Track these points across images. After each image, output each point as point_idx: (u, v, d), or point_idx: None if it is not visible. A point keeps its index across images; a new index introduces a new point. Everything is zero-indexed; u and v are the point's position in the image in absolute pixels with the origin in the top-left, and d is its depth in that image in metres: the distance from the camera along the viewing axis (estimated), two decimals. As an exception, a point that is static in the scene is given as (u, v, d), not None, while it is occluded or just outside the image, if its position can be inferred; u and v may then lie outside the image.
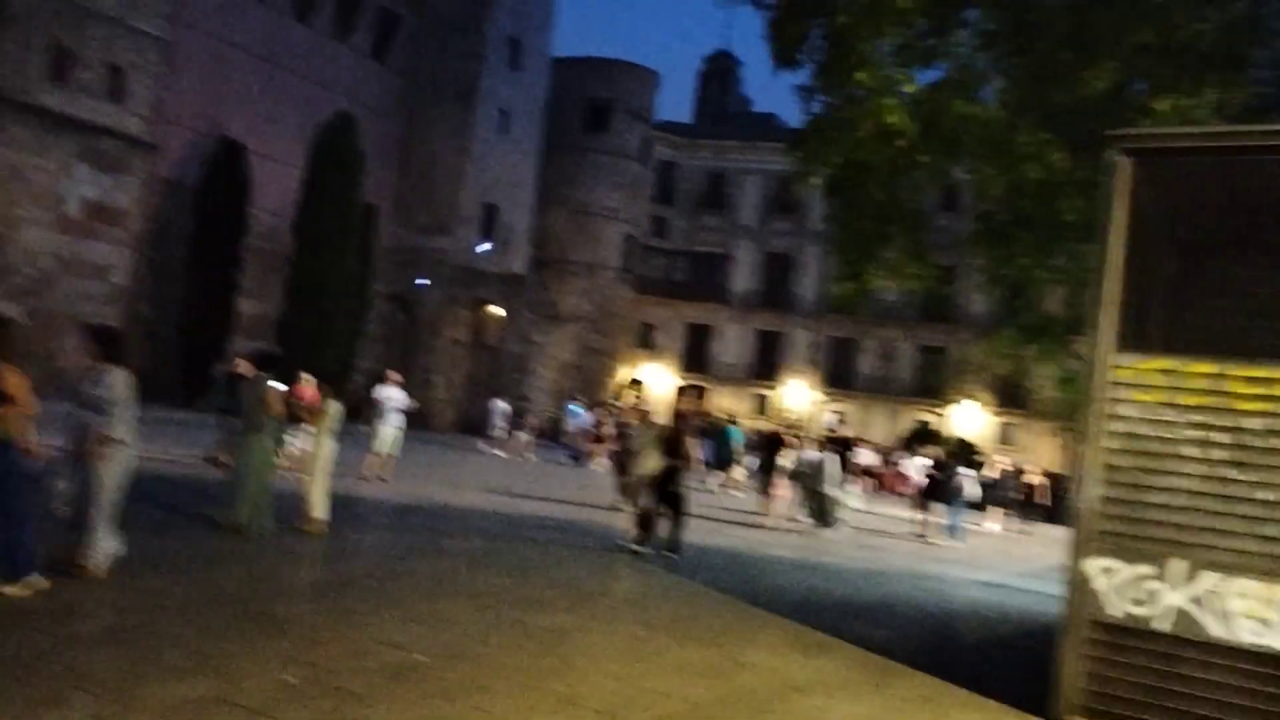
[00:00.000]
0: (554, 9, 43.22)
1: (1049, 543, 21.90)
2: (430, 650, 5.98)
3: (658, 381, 49.96)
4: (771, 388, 48.43)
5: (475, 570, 9.23)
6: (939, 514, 19.19)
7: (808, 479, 16.99)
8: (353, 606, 6.88)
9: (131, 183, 30.00)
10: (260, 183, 33.54)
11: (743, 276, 49.64)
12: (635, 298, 49.52)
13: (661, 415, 17.36)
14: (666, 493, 11.62)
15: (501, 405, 32.07)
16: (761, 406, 48.24)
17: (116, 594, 6.28)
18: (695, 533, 14.80)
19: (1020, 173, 8.51)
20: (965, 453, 29.85)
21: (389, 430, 16.95)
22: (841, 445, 19.68)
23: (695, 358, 49.82)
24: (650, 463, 11.57)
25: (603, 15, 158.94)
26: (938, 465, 20.10)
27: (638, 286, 49.54)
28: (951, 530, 19.13)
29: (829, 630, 8.50)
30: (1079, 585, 6.44)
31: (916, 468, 28.01)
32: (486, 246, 15.84)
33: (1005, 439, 43.66)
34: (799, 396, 47.55)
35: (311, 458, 10.53)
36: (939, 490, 19.39)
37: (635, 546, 11.51)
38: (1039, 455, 39.31)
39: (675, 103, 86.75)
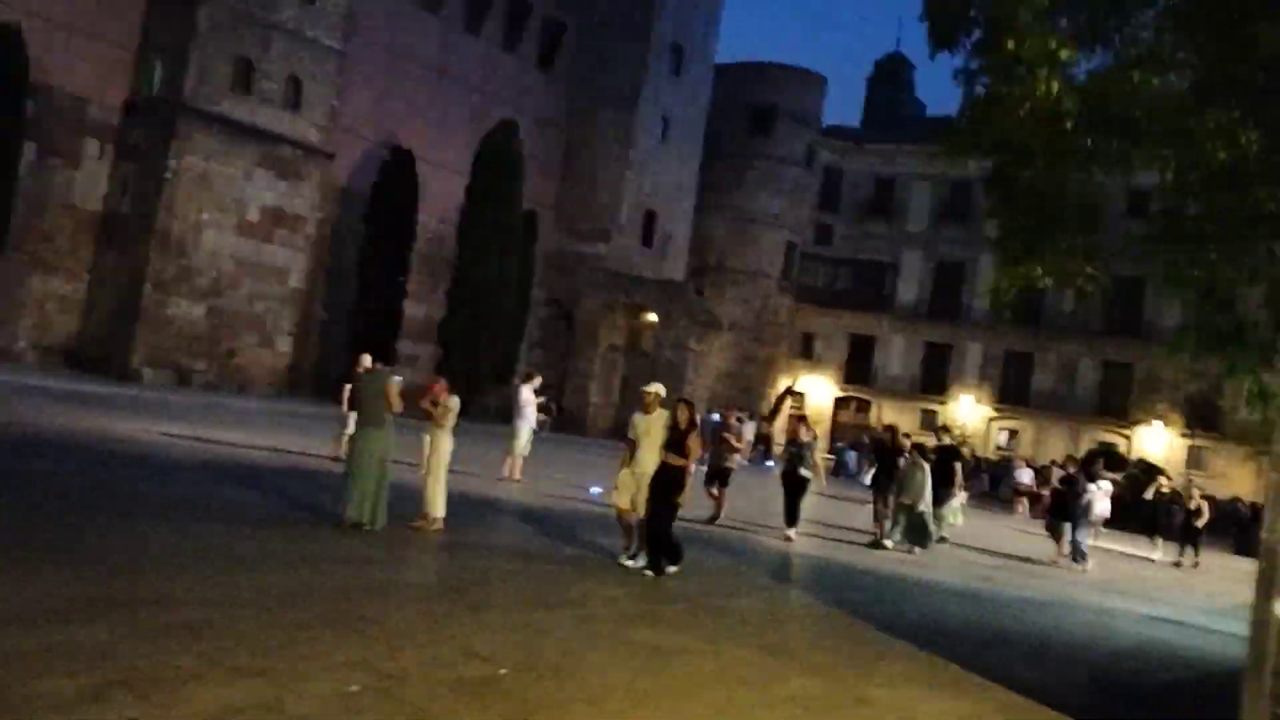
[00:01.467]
0: (718, 15, 42.82)
1: (1226, 576, 19.95)
2: (515, 663, 5.57)
3: (817, 393, 48.77)
4: (940, 403, 46.52)
5: (587, 578, 8.79)
6: (1066, 534, 17.62)
7: (903, 492, 15.39)
8: (446, 611, 6.57)
9: (308, 189, 31.25)
10: (428, 189, 34.46)
11: (910, 286, 47.91)
12: (796, 306, 48.53)
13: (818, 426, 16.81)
14: (659, 497, 9.31)
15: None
16: (928, 421, 46.36)
17: (204, 587, 6.15)
18: (842, 551, 14.07)
19: (1206, 156, 7.48)
20: (1147, 476, 27.69)
21: (526, 430, 16.89)
22: (948, 454, 17.56)
23: (857, 369, 48.39)
24: (648, 460, 9.50)
25: (769, 21, 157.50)
26: (1065, 480, 18.51)
27: (799, 295, 48.54)
28: (1074, 553, 17.34)
29: (966, 664, 7.67)
30: (1266, 629, 5.48)
31: (1099, 492, 26.40)
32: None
33: (1196, 463, 40.49)
34: (969, 412, 45.46)
35: (430, 455, 10.36)
36: (1066, 508, 17.77)
37: (625, 561, 9.66)
38: (1232, 482, 36.27)
39: (844, 107, 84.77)
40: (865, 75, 61.14)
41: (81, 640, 4.71)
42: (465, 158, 34.18)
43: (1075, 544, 17.31)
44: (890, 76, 55.93)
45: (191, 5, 27.92)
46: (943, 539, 16.59)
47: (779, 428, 40.63)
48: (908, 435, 17.36)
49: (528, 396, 17.71)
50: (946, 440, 18.36)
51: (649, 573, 9.29)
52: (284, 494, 11.02)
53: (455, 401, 10.65)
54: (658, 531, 9.35)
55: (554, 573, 8.78)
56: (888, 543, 15.21)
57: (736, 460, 15.87)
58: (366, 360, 13.52)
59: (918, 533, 15.32)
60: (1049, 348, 44.98)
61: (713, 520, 14.64)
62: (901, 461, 15.47)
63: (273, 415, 23.58)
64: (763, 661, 6.73)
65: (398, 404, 10.00)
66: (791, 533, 14.25)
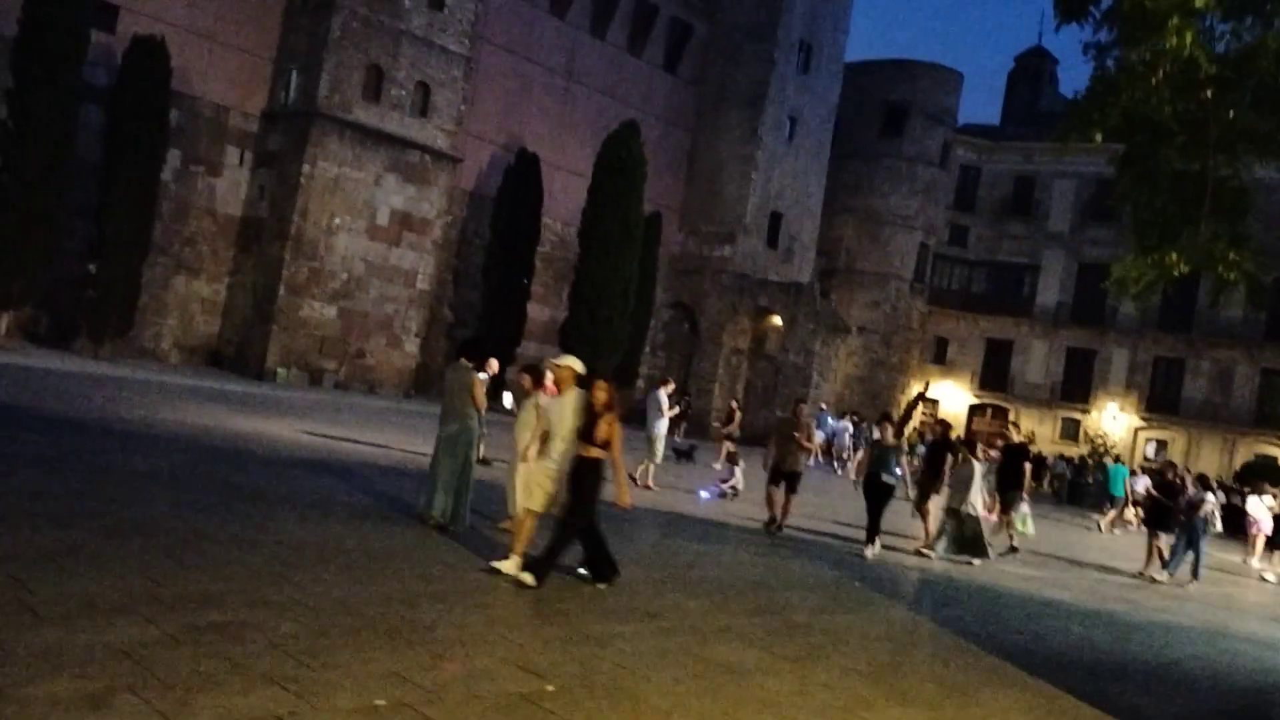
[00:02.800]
0: (849, 12, 41.78)
1: None
2: (568, 679, 5.22)
3: (951, 399, 47.06)
4: (1082, 411, 44.28)
5: (672, 588, 8.38)
6: (1165, 545, 15.96)
7: (951, 495, 13.68)
8: (508, 618, 6.27)
9: (435, 193, 31.78)
10: (554, 193, 34.68)
11: (1051, 289, 45.74)
12: (929, 310, 46.96)
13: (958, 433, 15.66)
14: (574, 497, 7.66)
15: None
16: (1069, 431, 44.20)
17: (258, 585, 6.00)
18: (945, 564, 13.24)
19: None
20: None
21: (662, 437, 16.68)
22: (1017, 453, 15.71)
23: (994, 375, 46.47)
24: (562, 451, 7.84)
25: (904, 17, 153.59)
26: (1164, 486, 16.48)
27: (932, 298, 46.95)
28: (1170, 565, 15.57)
29: (1089, 697, 6.95)
30: None
31: (1259, 508, 24.56)
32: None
33: (1370, 481, 37.32)
34: (1114, 422, 43.11)
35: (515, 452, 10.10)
36: (1166, 517, 15.93)
37: (580, 569, 8.13)
38: None
39: (982, 105, 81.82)
40: (1005, 71, 58.70)
41: (109, 639, 4.58)
42: (590, 161, 34.23)
43: (1179, 557, 15.53)
44: (1031, 72, 53.66)
45: (324, 15, 28.73)
46: (1013, 549, 15.06)
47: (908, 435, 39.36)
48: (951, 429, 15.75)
49: (664, 402, 17.39)
50: (1016, 438, 16.73)
51: (601, 585, 7.79)
52: (382, 491, 10.97)
53: (544, 399, 10.35)
54: (588, 538, 7.77)
55: (638, 581, 8.38)
56: (929, 552, 13.45)
57: (804, 461, 13.80)
58: (494, 363, 13.48)
59: (972, 543, 13.50)
60: (1202, 354, 42.25)
61: (771, 526, 13.19)
62: (950, 459, 13.99)
63: (397, 414, 23.97)
64: (849, 685, 6.20)
65: (482, 400, 9.81)
66: (869, 550, 12.51)
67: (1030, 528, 16.04)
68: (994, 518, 21.48)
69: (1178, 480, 16.53)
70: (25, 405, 13.73)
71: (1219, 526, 16.73)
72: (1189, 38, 6.33)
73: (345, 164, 29.49)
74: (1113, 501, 26.25)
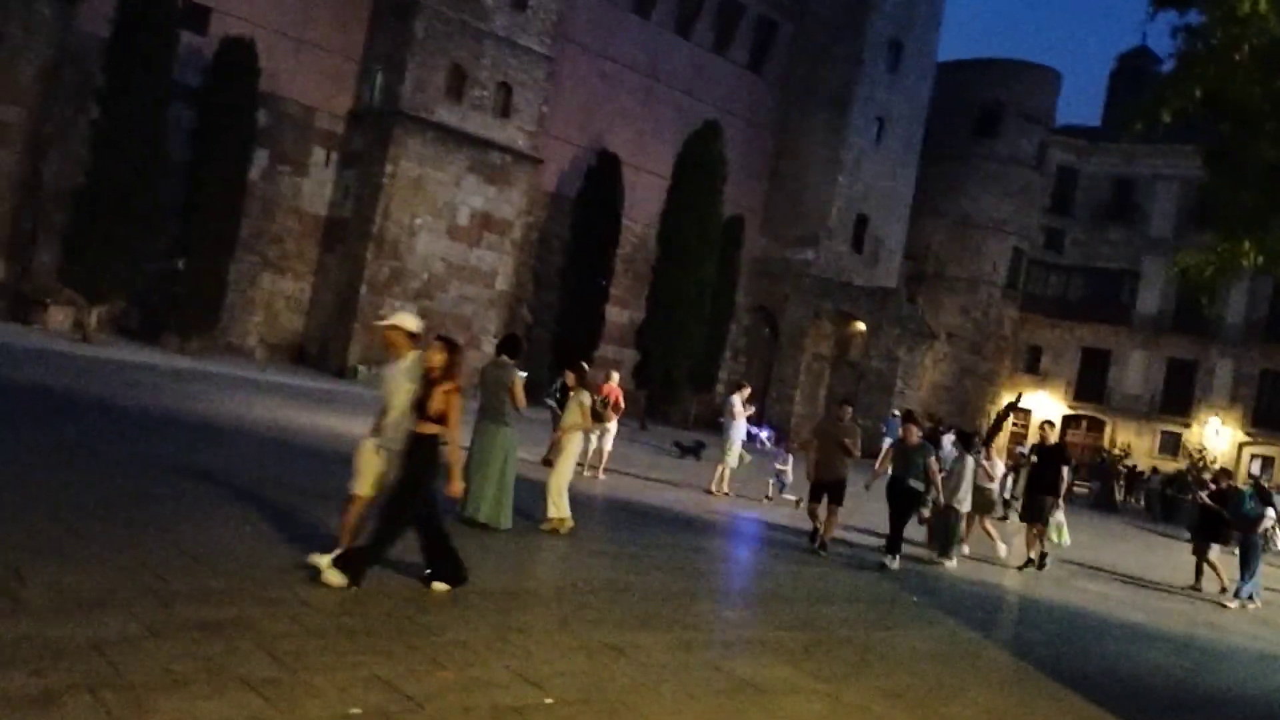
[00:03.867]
0: (941, 9, 40.72)
1: None
2: (571, 691, 4.91)
3: (1043, 410, 45.48)
4: (1183, 425, 42.38)
5: (708, 597, 8.03)
6: (1221, 561, 14.69)
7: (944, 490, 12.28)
8: (521, 625, 5.98)
9: (515, 194, 31.84)
10: (634, 194, 34.48)
11: (1151, 296, 43.89)
12: (1022, 317, 45.48)
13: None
14: (405, 473, 6.43)
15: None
16: (1169, 445, 42.34)
17: (265, 581, 5.82)
18: (1013, 577, 12.58)
19: None
20: None
21: (738, 442, 16.32)
22: (1053, 456, 13.89)
23: (1089, 386, 44.78)
24: (387, 426, 6.66)
25: (1000, 15, 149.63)
26: (1218, 496, 15.00)
27: (1025, 305, 45.46)
28: (1238, 588, 14.14)
29: (1152, 731, 6.40)
30: None
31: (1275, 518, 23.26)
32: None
33: None
34: (1216, 437, 41.15)
35: (558, 453, 9.89)
36: (1218, 529, 14.54)
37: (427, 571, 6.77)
38: None
39: (1083, 107, 79.07)
40: (1108, 72, 56.70)
41: (85, 634, 4.42)
42: (672, 162, 33.95)
43: (1243, 578, 14.17)
44: (1134, 73, 51.57)
45: (408, 16, 29.01)
46: (1032, 561, 13.45)
47: (999, 447, 38.11)
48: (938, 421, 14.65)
49: (739, 407, 17.11)
50: (1052, 439, 14.66)
51: (439, 585, 6.47)
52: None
53: (588, 398, 10.13)
54: (429, 532, 6.56)
55: (673, 588, 8.05)
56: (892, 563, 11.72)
57: (849, 469, 12.01)
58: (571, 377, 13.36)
59: (946, 540, 12.48)
60: (1316, 366, 40.08)
61: (815, 543, 11.70)
62: (944, 453, 13.19)
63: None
64: (883, 710, 5.75)
65: (522, 400, 9.58)
66: (892, 563, 11.29)
67: (1065, 537, 14.56)
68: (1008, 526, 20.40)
69: (1232, 489, 15.25)
70: (95, 395, 14.00)
71: (1279, 544, 15.21)
72: (1263, 4, 5.73)
73: (427, 164, 29.73)
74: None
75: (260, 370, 25.44)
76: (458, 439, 6.60)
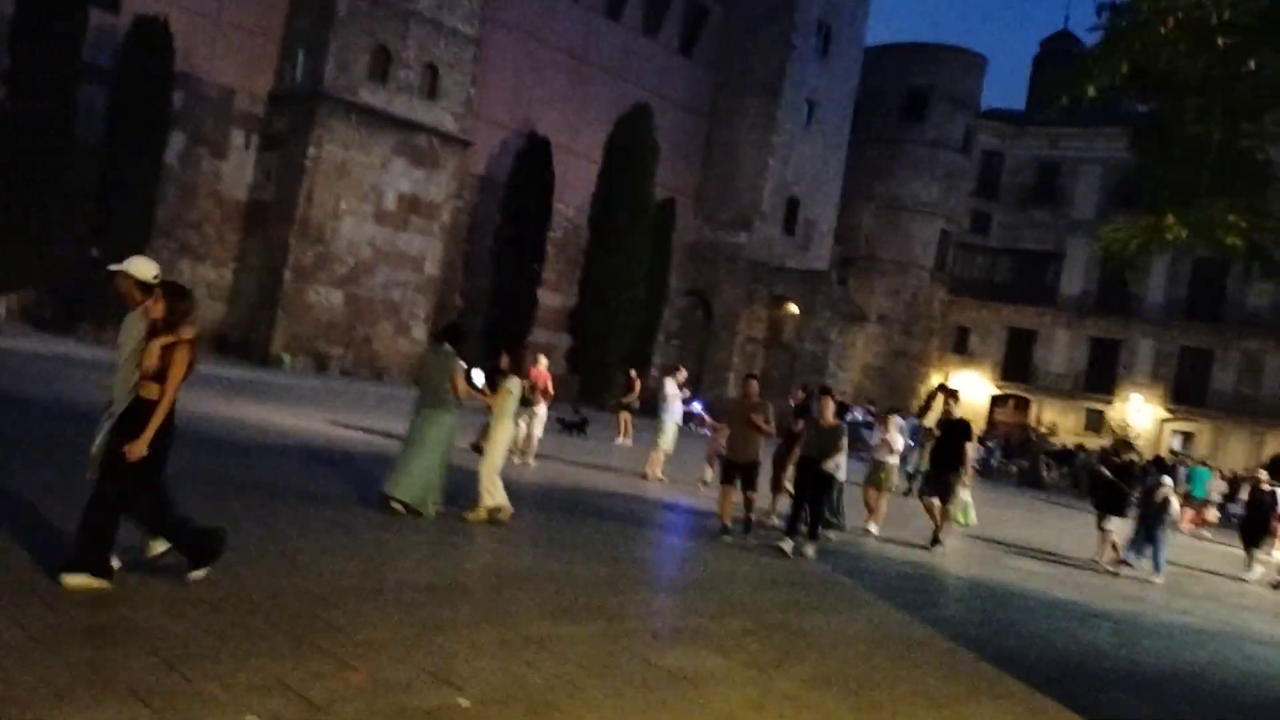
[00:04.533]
0: (870, -7, 40.94)
1: None
2: (490, 691, 4.68)
3: (972, 390, 46.17)
4: (1106, 403, 43.35)
5: (638, 584, 7.84)
6: (1118, 531, 14.41)
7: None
8: (441, 620, 5.72)
9: (444, 177, 31.28)
10: (565, 178, 34.11)
11: (1075, 277, 44.77)
12: (950, 299, 46.11)
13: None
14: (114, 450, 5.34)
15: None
16: (1093, 422, 43.27)
17: (170, 585, 5.49)
18: (960, 561, 12.64)
19: None
20: None
21: (671, 426, 16.21)
22: (955, 431, 13.07)
23: (1016, 366, 45.59)
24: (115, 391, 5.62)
25: (926, 0, 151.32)
26: (1119, 468, 14.52)
27: (953, 287, 46.09)
28: (1133, 556, 14.33)
29: (1091, 710, 6.36)
30: None
31: None
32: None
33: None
34: (1139, 413, 42.15)
35: (488, 440, 9.68)
36: (1119, 500, 14.21)
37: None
38: None
39: (1006, 91, 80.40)
40: (1031, 56, 57.55)
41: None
42: (602, 145, 33.65)
43: (1138, 548, 14.48)
44: (1058, 56, 52.49)
45: (331, -5, 28.24)
46: (937, 541, 12.86)
47: (929, 425, 38.64)
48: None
49: (672, 390, 17.10)
50: (955, 412, 13.56)
51: (198, 574, 5.53)
52: (356, 478, 10.49)
53: (515, 383, 9.89)
54: (149, 512, 5.54)
55: (607, 577, 7.85)
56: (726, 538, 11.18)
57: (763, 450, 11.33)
58: (505, 361, 13.10)
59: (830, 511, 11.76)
60: (1231, 344, 41.23)
61: (729, 528, 10.93)
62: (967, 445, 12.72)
63: (396, 401, 23.51)
64: (815, 697, 5.63)
65: (464, 389, 9.43)
66: (809, 549, 10.45)
67: (972, 516, 14.05)
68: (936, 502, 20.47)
69: (1133, 461, 15.34)
70: (33, 393, 13.35)
71: (1177, 513, 15.39)
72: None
73: (352, 147, 29.05)
74: (1192, 504, 26.53)
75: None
76: (168, 401, 5.46)
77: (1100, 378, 43.66)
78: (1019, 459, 36.68)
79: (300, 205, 28.28)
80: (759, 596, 8.23)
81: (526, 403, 13.66)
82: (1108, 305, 43.64)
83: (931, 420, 39.86)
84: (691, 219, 39.53)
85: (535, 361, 14.66)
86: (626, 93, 35.71)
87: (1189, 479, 27.86)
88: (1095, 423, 42.92)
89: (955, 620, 9.04)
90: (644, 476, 15.48)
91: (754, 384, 11.59)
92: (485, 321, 32.29)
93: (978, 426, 42.90)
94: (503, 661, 5.16)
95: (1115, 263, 7.62)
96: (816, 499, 10.73)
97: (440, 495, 9.30)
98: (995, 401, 46.20)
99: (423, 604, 6.00)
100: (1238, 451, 38.66)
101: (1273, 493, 16.62)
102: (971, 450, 13.72)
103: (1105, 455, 15.86)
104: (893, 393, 43.62)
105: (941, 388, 41.24)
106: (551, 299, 34.80)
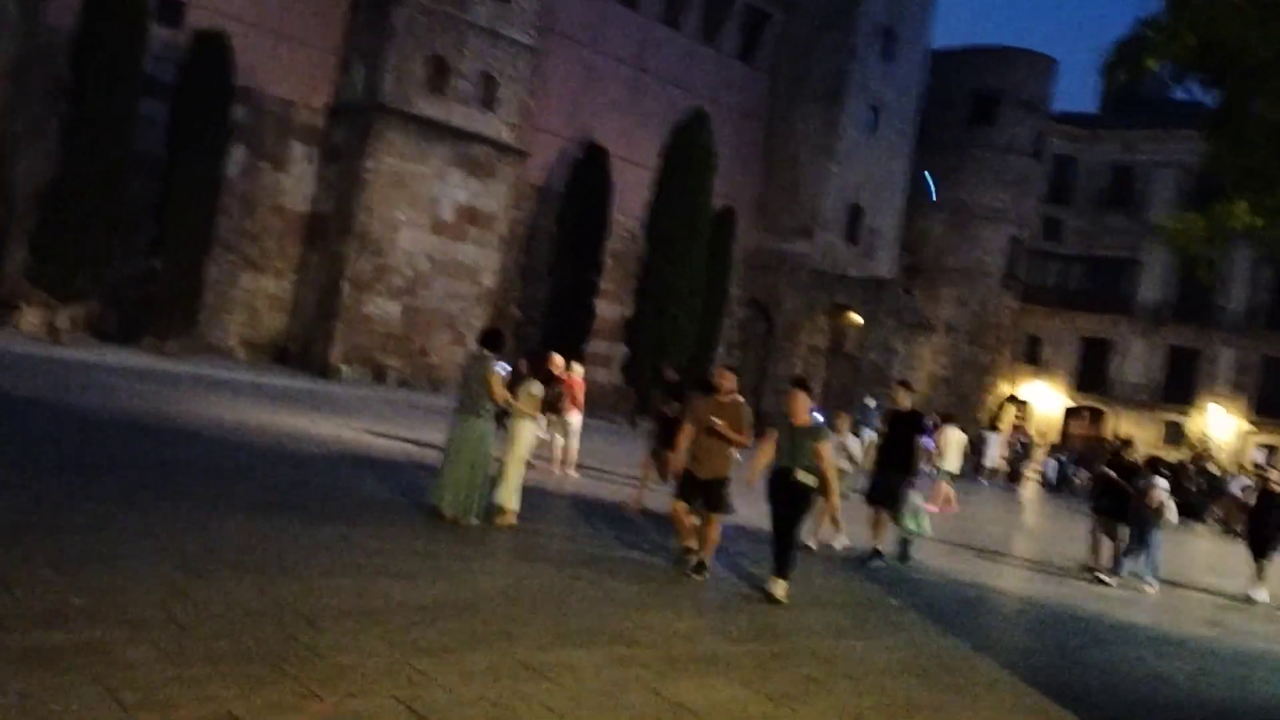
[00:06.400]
0: (934, -5, 40.04)
1: None
2: (469, 724, 4.28)
3: (1044, 402, 44.84)
4: (1185, 414, 41.68)
5: (658, 604, 7.34)
6: (1121, 540, 13.19)
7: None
8: (429, 643, 5.33)
9: (501, 188, 31.18)
10: (623, 187, 33.80)
11: (1152, 284, 43.16)
12: (1021, 307, 44.76)
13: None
14: None
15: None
16: (1172, 436, 41.62)
17: (140, 602, 5.18)
18: (1022, 581, 11.94)
19: None
20: None
21: None
22: (905, 426, 11.31)
23: (1090, 376, 44.08)
24: None
25: (995, 2, 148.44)
26: (1122, 468, 13.47)
27: (1024, 295, 44.75)
28: (1125, 565, 12.97)
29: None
30: None
31: None
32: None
33: None
34: (1220, 425, 40.45)
35: (507, 444, 9.41)
36: (1119, 506, 13.10)
37: None
38: None
39: (1080, 93, 78.27)
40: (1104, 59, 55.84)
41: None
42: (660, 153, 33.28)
43: (1134, 555, 13.02)
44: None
45: (388, 7, 28.36)
46: (877, 552, 11.04)
47: (986, 434, 37.55)
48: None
49: None
50: (907, 404, 11.66)
51: None
52: (400, 487, 10.24)
53: (538, 387, 9.59)
54: None
55: (630, 596, 7.41)
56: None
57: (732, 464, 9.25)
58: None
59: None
60: (1319, 352, 39.39)
61: (690, 558, 8.86)
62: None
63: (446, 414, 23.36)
64: (841, 734, 5.13)
65: (501, 394, 9.24)
66: (776, 589, 8.26)
67: (925, 525, 11.62)
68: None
69: (1137, 463, 13.97)
70: (60, 400, 13.38)
71: (1174, 518, 13.82)
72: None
73: (408, 158, 29.08)
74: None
75: (242, 370, 24.85)
76: None
77: (1179, 388, 42.01)
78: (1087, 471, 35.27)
79: (358, 217, 28.37)
80: (791, 618, 7.71)
81: (553, 409, 13.40)
82: (1186, 313, 42.00)
83: (1003, 433, 38.64)
84: (752, 228, 38.95)
85: (569, 368, 14.28)
86: (684, 100, 35.26)
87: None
88: (1174, 435, 41.27)
89: (1010, 647, 8.43)
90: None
91: (730, 378, 9.21)
92: (542, 333, 32.04)
93: (1051, 438, 41.65)
94: (489, 691, 4.76)
95: (1183, 255, 6.98)
96: (788, 518, 8.53)
97: (478, 506, 9.12)
98: (1069, 413, 44.75)
99: (418, 625, 5.63)
100: (1327, 466, 36.81)
101: None
102: (927, 445, 12.19)
103: (1113, 458, 14.40)
104: (961, 404, 42.48)
105: (1011, 398, 39.90)
106: (609, 310, 34.47)
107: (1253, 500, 16.45)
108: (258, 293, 29.60)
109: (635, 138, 35.22)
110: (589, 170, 32.49)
